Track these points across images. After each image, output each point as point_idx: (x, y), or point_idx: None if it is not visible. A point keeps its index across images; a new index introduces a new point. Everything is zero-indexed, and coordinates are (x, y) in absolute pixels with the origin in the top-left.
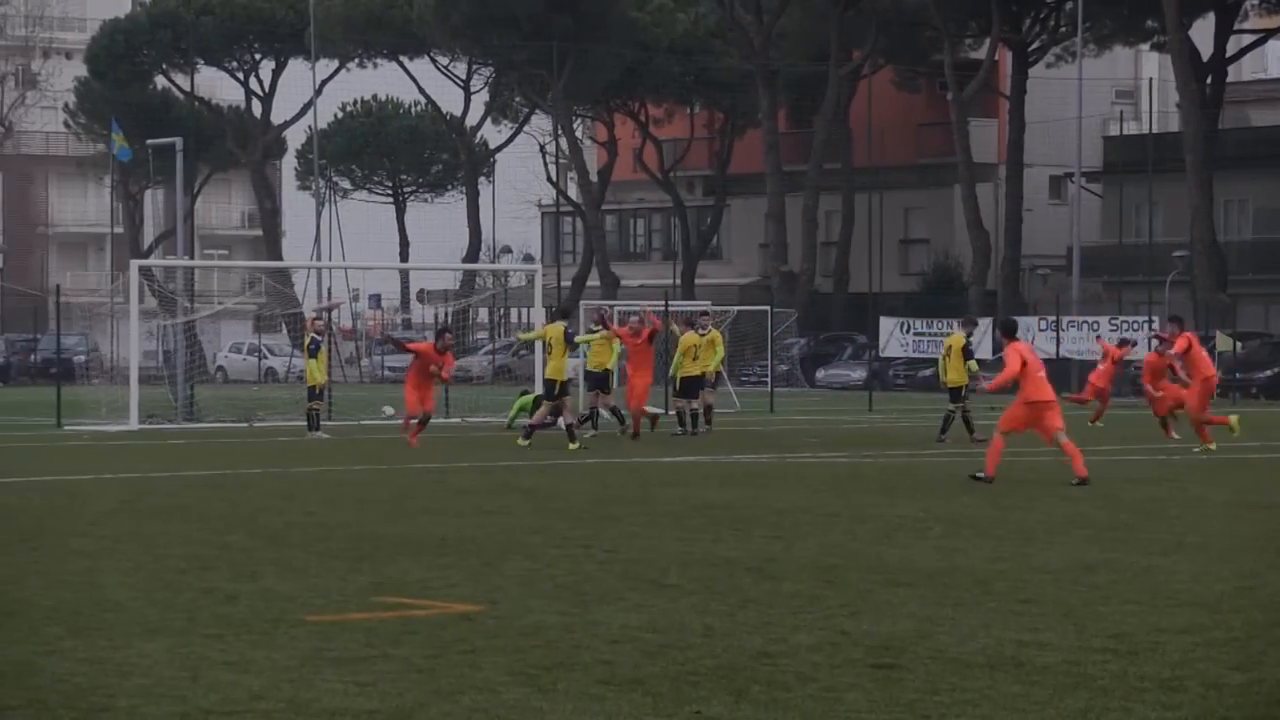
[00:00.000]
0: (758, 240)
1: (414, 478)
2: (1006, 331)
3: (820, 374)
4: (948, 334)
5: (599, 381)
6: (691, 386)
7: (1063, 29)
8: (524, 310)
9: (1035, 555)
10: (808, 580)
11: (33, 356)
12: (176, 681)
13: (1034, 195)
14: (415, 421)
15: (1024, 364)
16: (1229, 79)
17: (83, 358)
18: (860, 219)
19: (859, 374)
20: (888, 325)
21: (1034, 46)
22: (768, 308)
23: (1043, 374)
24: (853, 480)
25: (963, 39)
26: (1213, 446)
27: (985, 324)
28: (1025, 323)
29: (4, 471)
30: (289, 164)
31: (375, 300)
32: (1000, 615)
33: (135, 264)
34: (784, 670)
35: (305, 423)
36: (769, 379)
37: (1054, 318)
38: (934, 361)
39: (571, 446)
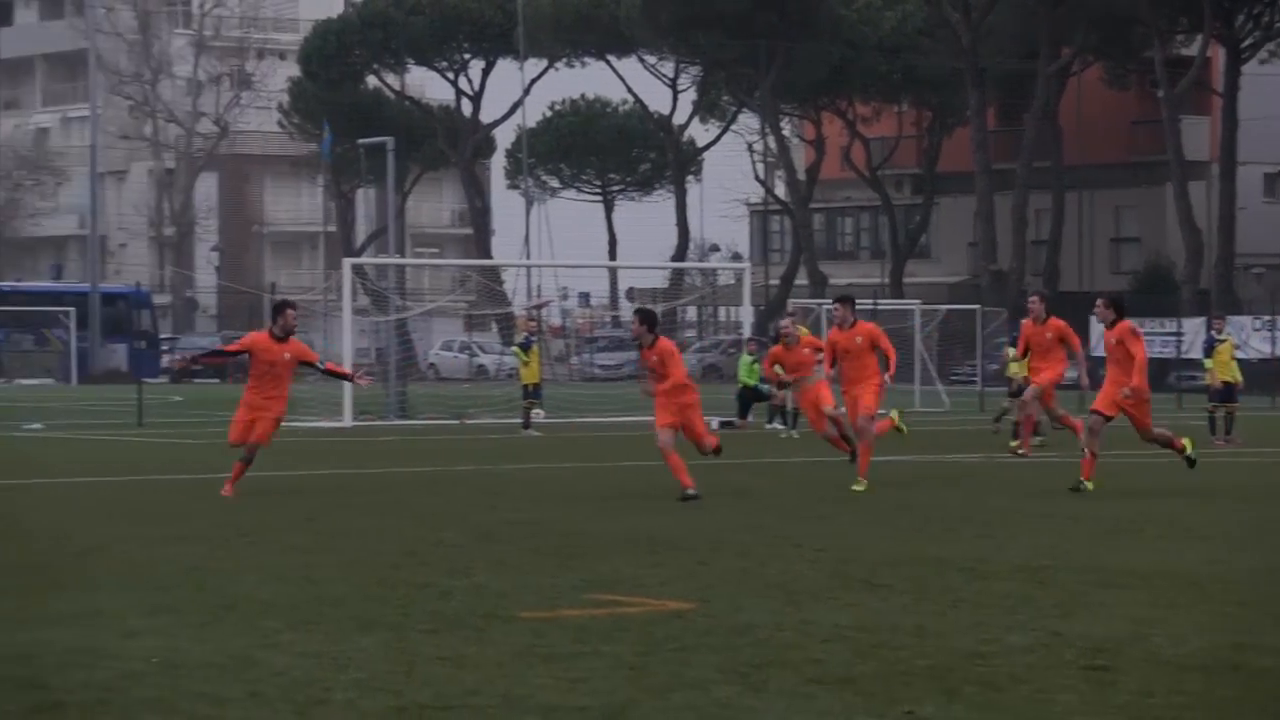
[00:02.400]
0: (966, 239)
1: (624, 476)
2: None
3: None
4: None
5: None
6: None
7: (1277, 25)
8: (732, 309)
9: (1248, 558)
10: (1020, 580)
11: None
12: (392, 676)
13: (1247, 193)
14: (238, 460)
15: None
16: None
17: None
18: (1070, 217)
19: (1070, 373)
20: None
21: (1247, 43)
22: (977, 307)
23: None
24: (1063, 480)
25: (1174, 35)
26: None
27: (1198, 323)
28: (1239, 322)
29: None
30: (498, 163)
31: (584, 299)
32: (1215, 618)
33: (348, 262)
34: (996, 671)
35: (520, 420)
36: (978, 378)
37: (1269, 317)
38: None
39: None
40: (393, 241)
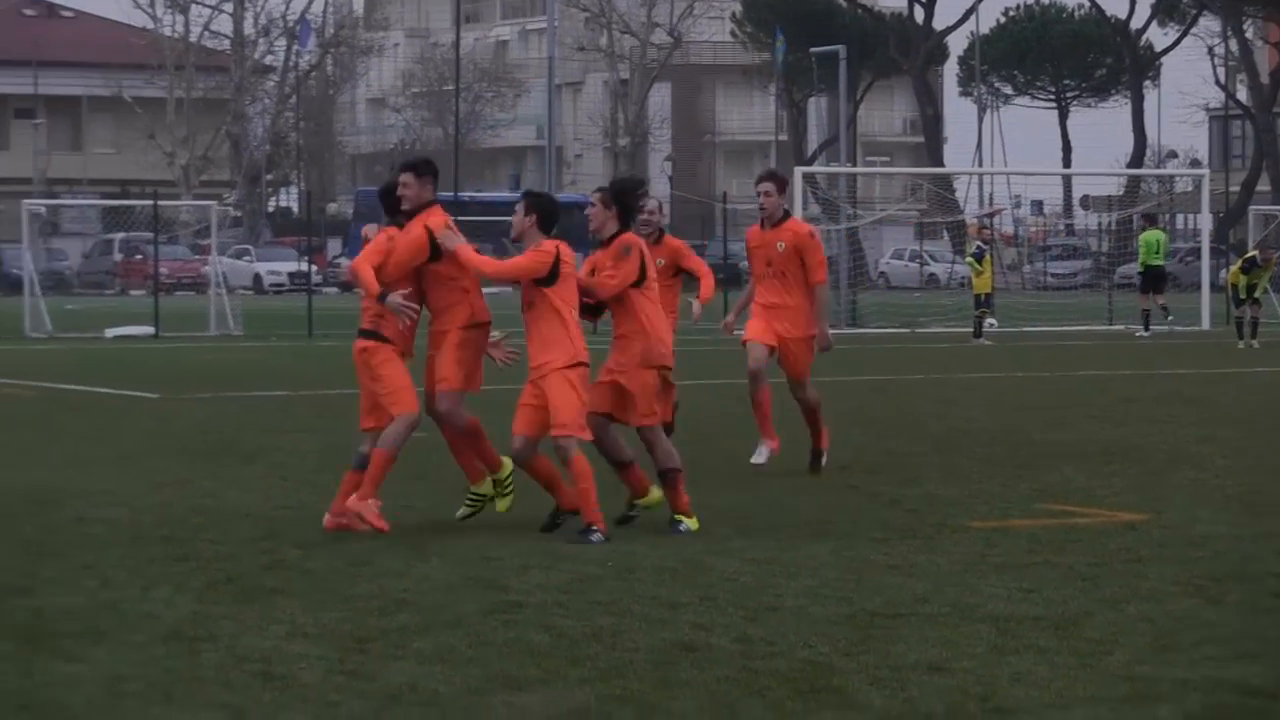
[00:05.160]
0: None
1: (1076, 385)
2: None
3: None
4: None
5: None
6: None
7: None
8: (1190, 217)
9: None
10: None
11: None
12: (842, 583)
13: None
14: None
15: None
16: None
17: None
18: None
19: None
20: None
21: None
22: None
23: None
24: None
25: None
26: None
27: None
28: None
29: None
30: (950, 70)
31: (1037, 207)
32: None
33: (799, 171)
34: None
35: (970, 329)
36: None
37: None
38: None
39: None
40: (844, 150)
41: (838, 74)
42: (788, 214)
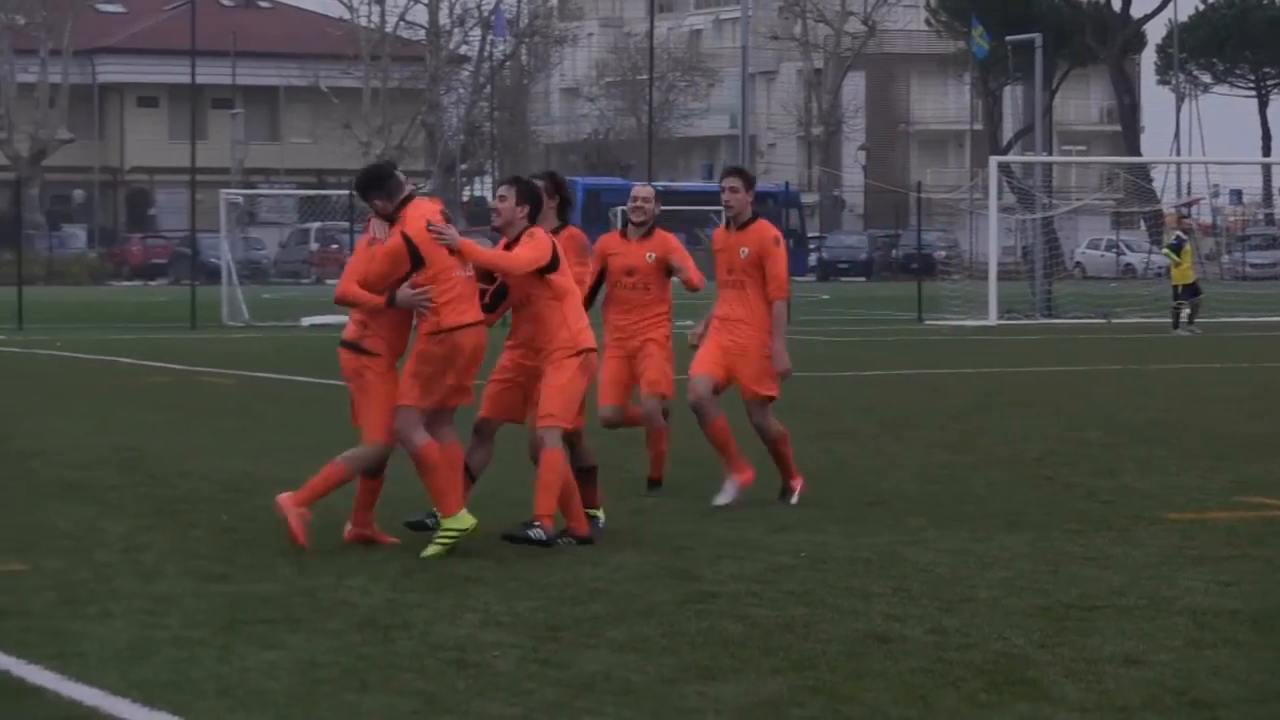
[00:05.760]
0: None
1: (1276, 376)
2: None
3: None
4: None
5: None
6: None
7: None
8: None
9: None
10: None
11: (894, 252)
12: (1037, 575)
13: None
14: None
15: None
16: None
17: (943, 253)
18: None
19: None
20: None
21: None
22: None
23: None
24: None
25: None
26: None
27: None
28: None
29: (868, 364)
30: (1148, 58)
31: (1235, 196)
32: None
33: (994, 160)
34: None
35: (1169, 320)
36: None
37: None
38: None
39: None
40: (1040, 139)
41: (1033, 62)
42: (756, 215)
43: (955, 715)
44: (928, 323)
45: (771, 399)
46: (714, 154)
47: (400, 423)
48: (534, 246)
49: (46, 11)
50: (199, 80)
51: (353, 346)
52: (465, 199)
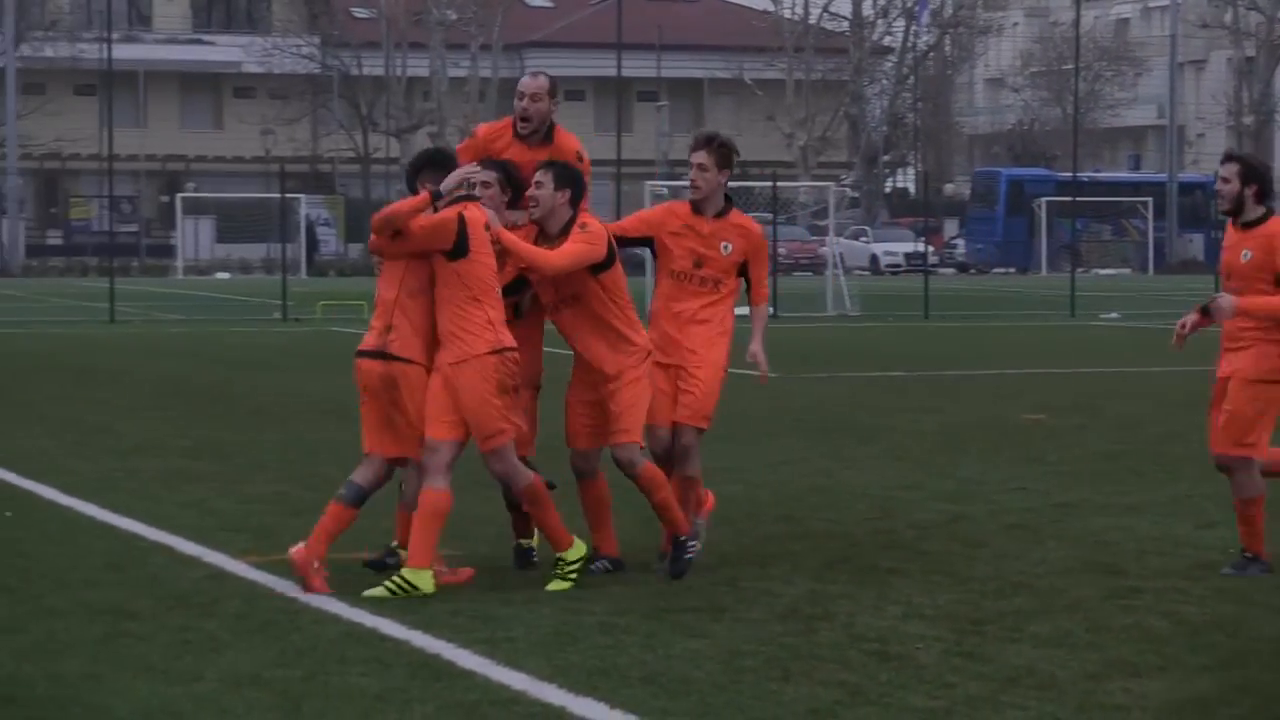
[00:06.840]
0: None
1: None
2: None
3: None
4: None
5: None
6: None
7: None
8: None
9: None
10: None
11: None
12: None
13: None
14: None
15: None
16: None
17: None
18: None
19: None
20: None
21: None
22: None
23: None
24: None
25: None
26: None
27: None
28: None
29: None
30: None
31: None
32: None
33: None
34: None
35: None
36: None
37: None
38: None
39: None
40: None
41: None
42: (730, 202)
43: None
44: None
45: None
46: (1141, 144)
47: (504, 463)
48: (584, 240)
49: (477, 7)
50: (624, 73)
51: (380, 354)
52: (888, 189)
